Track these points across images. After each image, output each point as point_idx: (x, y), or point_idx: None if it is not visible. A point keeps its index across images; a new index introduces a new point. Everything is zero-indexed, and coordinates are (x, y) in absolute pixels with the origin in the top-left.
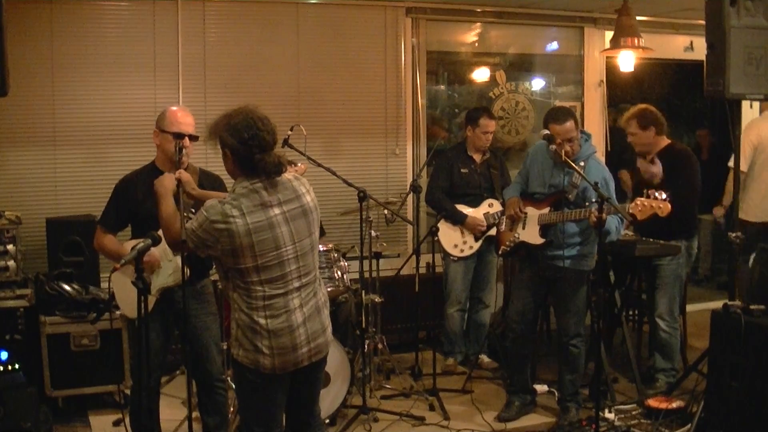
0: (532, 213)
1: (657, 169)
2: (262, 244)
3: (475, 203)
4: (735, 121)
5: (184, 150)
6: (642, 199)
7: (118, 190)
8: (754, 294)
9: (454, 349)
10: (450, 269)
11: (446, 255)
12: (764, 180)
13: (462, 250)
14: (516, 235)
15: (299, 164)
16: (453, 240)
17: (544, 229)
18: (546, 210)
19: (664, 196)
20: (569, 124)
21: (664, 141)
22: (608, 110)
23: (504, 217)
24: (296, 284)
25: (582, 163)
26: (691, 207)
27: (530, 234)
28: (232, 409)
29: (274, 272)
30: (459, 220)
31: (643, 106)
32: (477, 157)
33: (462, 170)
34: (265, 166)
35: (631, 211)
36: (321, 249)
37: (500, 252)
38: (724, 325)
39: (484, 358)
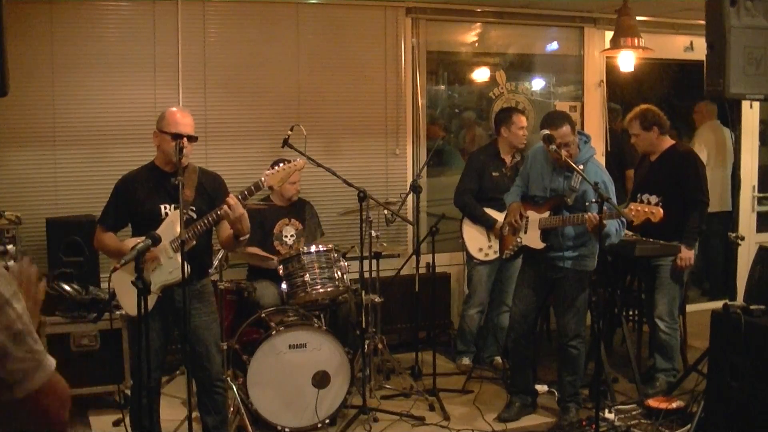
0: (533, 217)
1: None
2: None
3: (503, 207)
4: (735, 121)
5: (183, 150)
6: (636, 204)
7: (118, 189)
8: (754, 294)
9: (469, 349)
10: (474, 272)
11: (470, 258)
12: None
13: (486, 254)
14: (518, 239)
15: (297, 159)
16: (479, 243)
17: (545, 233)
18: (546, 214)
19: (656, 201)
20: (565, 128)
21: (668, 141)
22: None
23: (506, 222)
24: None
25: (581, 167)
26: (701, 209)
27: (531, 238)
28: (231, 409)
29: None
30: (488, 225)
31: (644, 106)
32: (508, 159)
33: (493, 173)
34: None
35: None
36: (321, 249)
37: (504, 255)
38: (724, 325)
39: (499, 360)
